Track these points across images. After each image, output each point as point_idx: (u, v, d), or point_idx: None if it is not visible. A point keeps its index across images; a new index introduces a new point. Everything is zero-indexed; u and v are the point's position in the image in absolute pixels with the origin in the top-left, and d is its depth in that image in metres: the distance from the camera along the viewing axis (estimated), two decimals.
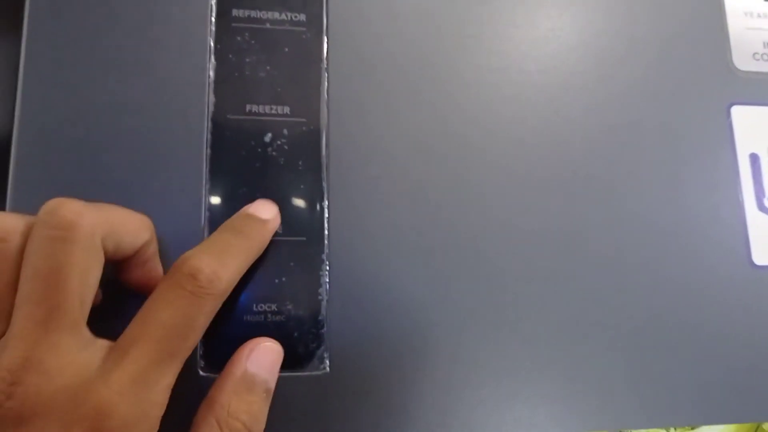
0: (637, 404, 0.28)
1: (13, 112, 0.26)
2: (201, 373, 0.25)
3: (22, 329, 0.19)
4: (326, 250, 0.27)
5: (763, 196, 0.31)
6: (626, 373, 0.28)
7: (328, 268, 0.27)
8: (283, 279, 0.26)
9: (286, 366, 0.25)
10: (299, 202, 0.27)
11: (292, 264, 0.27)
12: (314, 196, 0.27)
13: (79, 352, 0.20)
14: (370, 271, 0.27)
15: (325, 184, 0.27)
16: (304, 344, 0.26)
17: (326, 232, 0.27)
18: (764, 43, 0.33)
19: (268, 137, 0.27)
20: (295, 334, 0.26)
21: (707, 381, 0.29)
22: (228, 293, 0.22)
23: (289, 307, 0.26)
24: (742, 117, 0.32)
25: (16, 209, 0.25)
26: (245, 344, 0.24)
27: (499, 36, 0.30)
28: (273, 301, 0.26)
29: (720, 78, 0.32)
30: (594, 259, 0.29)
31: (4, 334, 0.20)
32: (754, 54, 0.33)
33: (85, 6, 0.27)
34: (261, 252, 0.25)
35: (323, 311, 0.26)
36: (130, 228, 0.22)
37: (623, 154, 0.30)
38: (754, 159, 0.32)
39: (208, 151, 0.27)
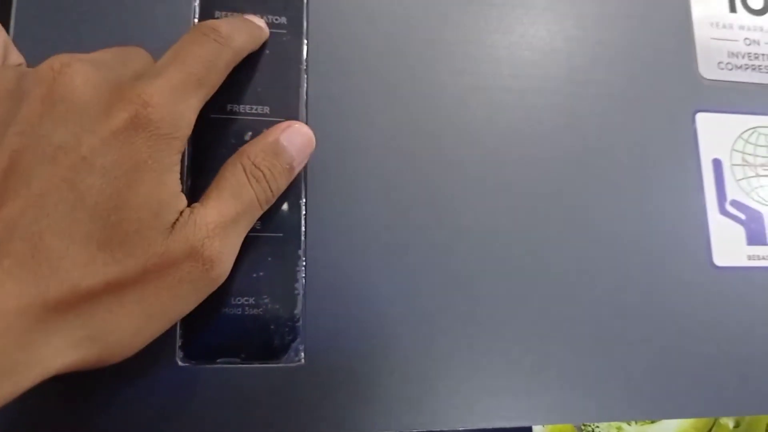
0: (599, 398, 0.29)
1: None
2: (179, 363, 0.26)
3: None
4: (303, 246, 0.28)
5: (725, 200, 0.33)
6: (589, 368, 0.29)
7: (304, 263, 0.28)
8: (261, 273, 0.27)
9: (262, 357, 0.26)
10: (278, 205, 0.28)
11: (269, 259, 0.27)
12: (292, 194, 0.28)
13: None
14: (345, 266, 0.28)
15: (302, 183, 0.28)
16: (280, 336, 0.27)
17: (303, 228, 0.28)
18: (729, 52, 0.34)
19: (248, 136, 0.28)
20: (272, 327, 0.27)
21: (668, 377, 0.30)
22: (239, 57, 0.27)
23: (266, 300, 0.27)
24: (707, 123, 0.33)
25: None
26: (282, 123, 0.27)
27: (474, 40, 0.32)
28: (251, 294, 0.27)
29: (686, 86, 0.34)
30: (560, 259, 0.30)
31: None
32: (719, 63, 0.34)
33: (67, 7, 0.28)
34: (257, 46, 0.29)
35: (299, 305, 0.27)
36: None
37: (591, 157, 0.31)
38: (717, 164, 0.33)
39: (190, 149, 0.28)
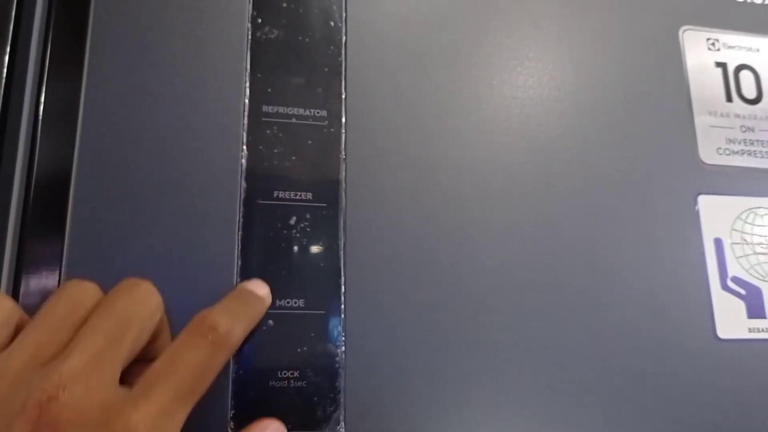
0: None
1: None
2: None
3: (82, 351, 0.22)
4: (343, 323, 0.30)
5: (726, 276, 0.35)
6: None
7: (344, 338, 0.30)
8: (305, 348, 0.30)
9: (306, 427, 0.29)
10: (319, 279, 0.30)
11: (312, 335, 0.30)
12: (332, 273, 0.31)
13: (116, 383, 0.23)
14: (383, 341, 0.31)
15: (342, 263, 0.31)
16: (322, 408, 0.29)
17: (343, 306, 0.31)
18: (726, 139, 0.38)
19: (292, 220, 0.31)
20: (315, 398, 0.29)
21: None
22: (236, 349, 0.26)
23: (310, 373, 0.29)
24: (708, 205, 0.36)
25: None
26: (258, 422, 0.27)
27: (498, 107, 0.35)
28: (295, 368, 0.29)
29: (689, 170, 0.37)
30: (572, 334, 0.33)
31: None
32: (718, 149, 0.37)
33: (129, 105, 0.31)
34: (258, 321, 0.29)
35: (340, 378, 0.30)
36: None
37: (601, 239, 0.34)
38: (718, 243, 0.36)
39: (240, 232, 0.30)
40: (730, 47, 0.39)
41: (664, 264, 0.35)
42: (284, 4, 0.34)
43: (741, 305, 0.35)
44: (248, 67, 0.32)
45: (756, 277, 0.36)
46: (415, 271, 0.32)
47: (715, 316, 0.35)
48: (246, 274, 0.30)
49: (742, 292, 0.35)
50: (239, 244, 0.30)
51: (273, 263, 0.30)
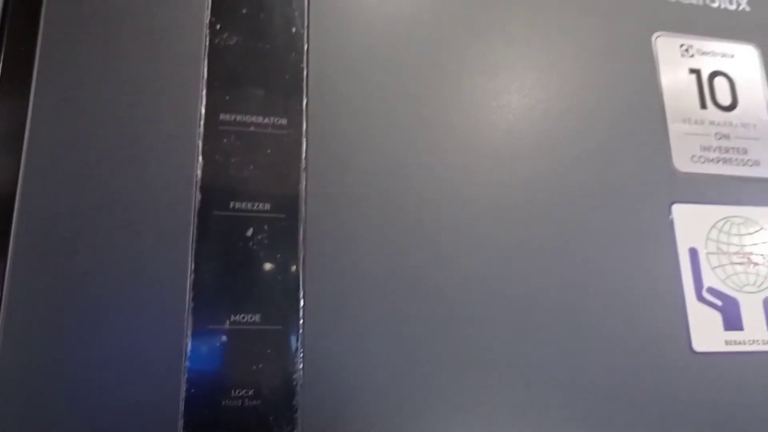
0: None
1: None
2: None
3: None
4: (302, 339, 0.29)
5: (702, 287, 0.34)
6: None
7: (302, 355, 0.29)
8: (261, 366, 0.28)
9: None
10: (277, 293, 0.29)
11: (269, 351, 0.29)
12: (291, 287, 0.30)
13: None
14: (342, 358, 0.29)
15: (301, 276, 0.30)
16: (278, 427, 0.28)
17: (302, 321, 0.29)
18: (701, 146, 0.37)
19: (249, 232, 0.30)
20: (270, 418, 0.28)
21: None
22: None
23: (266, 392, 0.28)
24: (683, 214, 0.35)
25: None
26: None
27: (466, 116, 0.34)
28: (250, 386, 0.28)
29: (662, 179, 0.36)
30: (546, 348, 0.31)
31: None
32: (692, 156, 0.36)
33: (80, 114, 0.30)
34: None
35: (297, 396, 0.28)
36: None
37: (573, 248, 0.33)
38: (693, 253, 0.35)
39: (194, 245, 0.29)
40: (704, 53, 0.38)
41: (637, 275, 0.34)
42: (244, 10, 0.33)
43: (717, 317, 0.34)
44: (205, 74, 0.31)
45: (732, 288, 0.35)
46: (377, 286, 0.30)
47: (690, 329, 0.34)
48: (199, 289, 0.29)
49: (719, 303, 0.34)
50: (193, 257, 0.29)
51: (228, 277, 0.29)
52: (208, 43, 0.32)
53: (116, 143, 0.29)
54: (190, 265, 0.29)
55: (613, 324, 0.33)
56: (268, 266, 0.30)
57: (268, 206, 0.30)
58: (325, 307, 0.30)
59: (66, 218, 0.28)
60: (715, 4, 0.40)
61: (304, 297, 0.30)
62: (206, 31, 0.32)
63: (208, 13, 0.32)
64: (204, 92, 0.31)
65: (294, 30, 0.33)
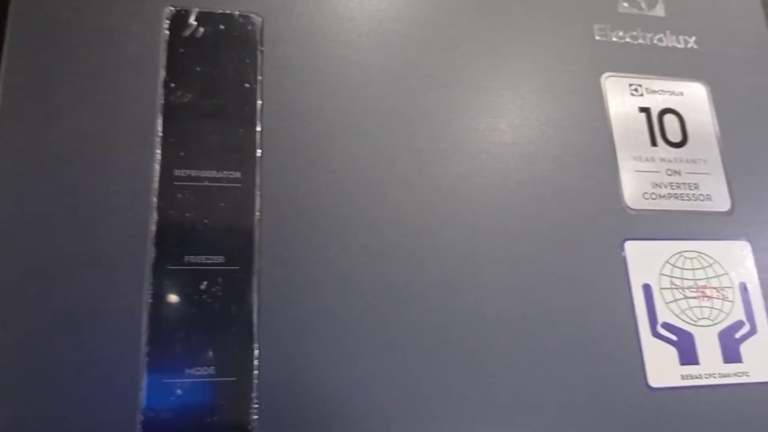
0: None
1: None
2: None
3: None
4: (256, 389, 0.30)
5: (656, 322, 0.35)
6: None
7: (257, 405, 0.29)
8: (215, 417, 0.29)
9: None
10: (231, 345, 0.30)
11: (223, 403, 0.29)
12: (245, 339, 0.30)
13: None
14: (297, 409, 0.30)
15: (255, 327, 0.30)
16: None
17: (256, 371, 0.30)
18: (653, 183, 0.38)
19: (203, 285, 0.30)
20: None
21: None
22: None
23: None
24: (635, 251, 0.36)
25: None
26: None
27: (417, 160, 0.34)
28: None
29: (614, 217, 0.36)
30: (501, 387, 0.32)
31: None
32: (644, 194, 0.37)
33: (36, 171, 0.30)
34: None
35: None
36: None
37: (527, 286, 0.34)
38: (647, 289, 0.35)
39: (149, 300, 0.30)
40: (653, 92, 0.39)
41: (591, 313, 0.34)
42: (198, 68, 0.34)
43: (673, 352, 0.35)
44: (160, 132, 0.32)
45: (687, 322, 0.35)
46: (331, 335, 0.31)
47: (646, 365, 0.34)
48: (153, 343, 0.29)
49: (674, 338, 0.35)
50: (147, 311, 0.30)
51: (182, 331, 0.30)
52: (162, 102, 0.33)
53: (71, 201, 0.30)
54: (145, 320, 0.29)
55: (568, 363, 0.33)
56: (222, 318, 0.30)
57: (221, 259, 0.31)
58: (280, 357, 0.30)
59: (17, 275, 0.29)
60: (663, 44, 0.41)
61: (258, 348, 0.30)
62: (161, 89, 0.33)
63: (162, 72, 0.33)
64: (158, 149, 0.32)
65: (247, 85, 0.34)
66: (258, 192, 0.32)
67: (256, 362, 0.30)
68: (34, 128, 0.31)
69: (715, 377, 0.34)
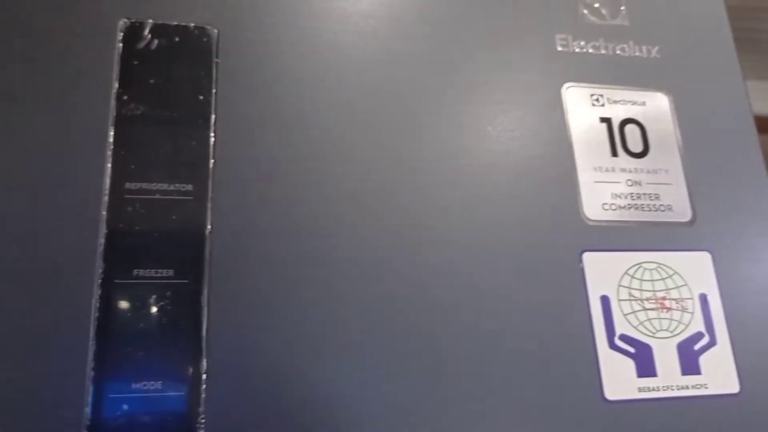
0: None
1: None
2: None
3: None
4: (204, 404, 0.29)
5: (614, 334, 0.35)
6: None
7: (204, 420, 0.29)
8: None
9: None
10: (179, 359, 0.30)
11: (169, 418, 0.29)
12: (193, 353, 0.30)
13: None
14: (245, 423, 0.30)
15: (204, 342, 0.30)
16: None
17: (204, 386, 0.30)
18: (612, 194, 0.37)
19: (152, 299, 0.30)
20: None
21: None
22: None
23: None
24: (593, 262, 0.36)
25: None
26: None
27: (370, 177, 0.34)
28: None
29: (572, 228, 0.36)
30: (459, 401, 0.32)
31: None
32: (603, 204, 0.37)
33: None
34: None
35: None
36: None
37: (483, 297, 0.34)
38: (605, 300, 0.35)
39: (96, 314, 0.30)
40: (615, 102, 0.39)
41: (547, 325, 0.34)
42: (152, 80, 0.34)
43: (630, 364, 0.34)
44: (111, 144, 0.32)
45: (646, 334, 0.35)
46: (281, 348, 0.31)
47: (602, 377, 0.34)
48: (100, 358, 0.29)
49: (631, 350, 0.34)
50: (95, 326, 0.29)
51: (129, 345, 0.30)
52: (115, 114, 0.33)
53: (19, 212, 0.30)
54: (92, 334, 0.29)
55: (523, 375, 0.33)
56: (170, 332, 0.30)
57: (171, 272, 0.31)
58: (228, 371, 0.30)
59: None
60: (626, 53, 0.41)
61: (206, 362, 0.30)
62: (113, 102, 0.33)
63: (116, 84, 0.33)
64: (109, 162, 0.32)
65: (201, 97, 0.34)
66: (210, 205, 0.32)
67: (204, 376, 0.30)
68: None
69: (672, 389, 0.34)
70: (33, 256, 0.30)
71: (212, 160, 0.33)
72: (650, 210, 0.38)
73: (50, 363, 0.29)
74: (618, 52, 0.41)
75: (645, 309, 0.36)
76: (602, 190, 0.37)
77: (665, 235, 0.37)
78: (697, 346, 0.36)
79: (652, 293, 0.36)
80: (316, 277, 0.32)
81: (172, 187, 0.32)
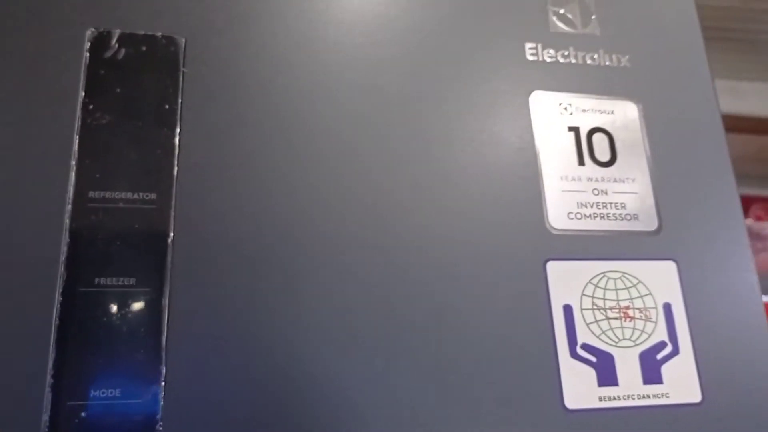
0: None
1: None
2: None
3: None
4: (162, 412, 0.30)
5: (576, 344, 0.35)
6: None
7: (161, 428, 0.30)
8: None
9: None
10: (138, 367, 0.30)
11: (128, 426, 0.29)
12: (152, 361, 0.30)
13: None
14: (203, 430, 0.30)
15: (164, 349, 0.31)
16: None
17: (163, 394, 0.30)
18: (578, 203, 0.38)
19: (113, 307, 0.31)
20: None
21: None
22: None
23: None
24: (557, 271, 0.36)
25: None
26: None
27: (336, 191, 0.35)
28: None
29: (536, 237, 0.36)
30: (420, 406, 0.32)
31: None
32: (569, 213, 0.37)
33: None
34: None
35: None
36: None
37: (445, 305, 0.34)
38: (568, 310, 0.36)
39: (57, 322, 0.30)
40: (583, 111, 0.39)
41: (509, 333, 0.34)
42: (118, 90, 0.34)
43: (591, 373, 0.35)
44: (76, 153, 0.32)
45: (608, 343, 0.35)
46: (242, 361, 0.31)
47: (563, 386, 0.34)
48: (59, 366, 0.29)
49: (593, 359, 0.35)
50: (55, 334, 0.30)
51: (89, 353, 0.30)
52: (80, 123, 0.33)
53: None
54: (52, 342, 0.30)
55: (482, 382, 0.33)
56: (130, 340, 0.30)
57: (133, 281, 0.31)
58: (187, 379, 0.30)
59: None
60: (596, 62, 0.41)
61: (165, 370, 0.30)
62: (79, 111, 0.33)
63: (82, 93, 0.33)
64: (73, 171, 0.32)
65: (167, 107, 0.34)
66: (173, 213, 0.33)
67: (162, 384, 0.30)
68: None
69: (633, 399, 0.34)
70: None
71: (176, 169, 0.33)
72: (616, 219, 0.38)
73: (9, 369, 0.29)
74: (588, 61, 0.41)
75: (608, 318, 0.36)
76: (568, 199, 0.37)
77: (630, 244, 0.38)
78: (659, 356, 0.36)
79: (615, 302, 0.36)
80: (278, 286, 0.33)
81: (135, 196, 0.32)
